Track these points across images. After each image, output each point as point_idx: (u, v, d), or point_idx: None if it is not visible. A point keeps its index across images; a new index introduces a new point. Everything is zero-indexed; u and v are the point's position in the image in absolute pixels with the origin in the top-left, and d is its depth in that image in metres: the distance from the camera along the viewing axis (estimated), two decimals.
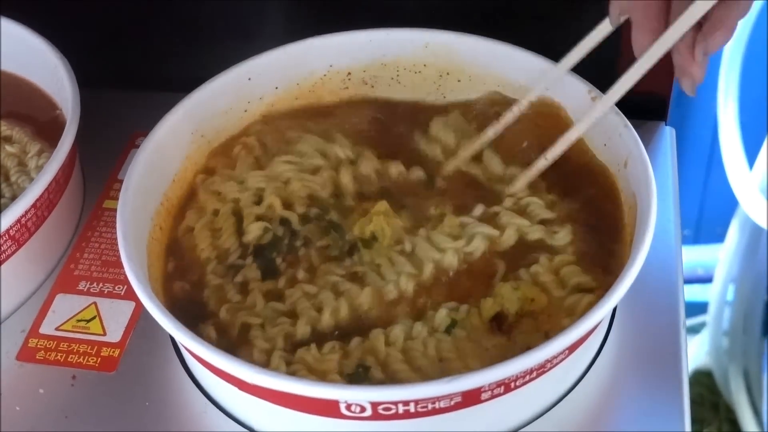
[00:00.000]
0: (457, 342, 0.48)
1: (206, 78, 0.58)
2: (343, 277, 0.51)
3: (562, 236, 0.52)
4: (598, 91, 0.55)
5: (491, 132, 0.56)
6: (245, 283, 0.52)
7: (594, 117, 0.53)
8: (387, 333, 0.49)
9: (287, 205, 0.55)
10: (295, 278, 0.52)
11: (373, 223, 0.52)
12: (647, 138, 0.61)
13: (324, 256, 0.53)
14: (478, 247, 0.51)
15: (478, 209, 0.53)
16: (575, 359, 0.49)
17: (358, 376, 0.48)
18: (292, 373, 0.48)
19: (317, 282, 0.51)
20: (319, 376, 0.48)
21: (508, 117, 0.56)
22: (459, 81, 0.60)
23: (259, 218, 0.54)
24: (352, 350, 0.49)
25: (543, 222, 0.53)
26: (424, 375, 0.47)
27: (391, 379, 0.47)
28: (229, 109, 0.59)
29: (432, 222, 0.53)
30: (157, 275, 0.53)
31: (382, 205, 0.53)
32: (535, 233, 0.52)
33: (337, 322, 0.50)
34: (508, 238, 0.52)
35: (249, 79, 0.59)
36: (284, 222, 0.54)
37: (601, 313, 0.45)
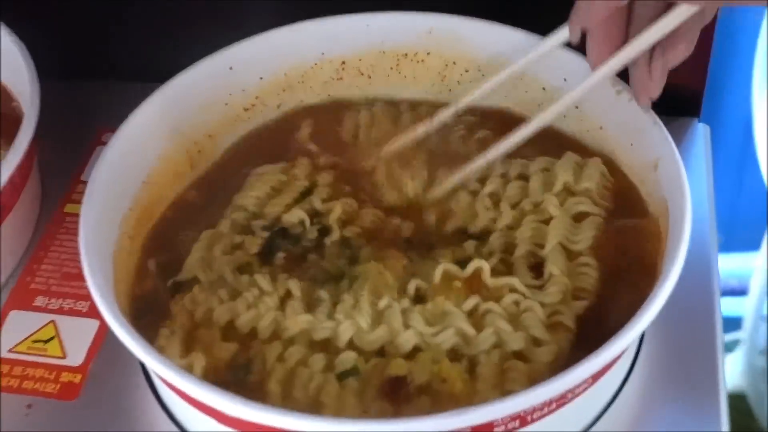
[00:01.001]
0: (343, 390, 0.47)
1: (182, 67, 0.58)
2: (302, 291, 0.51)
3: (545, 352, 0.48)
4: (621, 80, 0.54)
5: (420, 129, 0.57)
6: (239, 247, 0.54)
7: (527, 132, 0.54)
8: (285, 348, 0.49)
9: (346, 221, 0.55)
10: (273, 276, 0.52)
11: (364, 268, 0.52)
12: (679, 136, 0.60)
13: (312, 276, 0.53)
14: (444, 341, 0.49)
15: (471, 301, 0.50)
16: (600, 387, 0.48)
17: (236, 374, 0.48)
18: (186, 348, 0.49)
19: (277, 284, 0.52)
20: (207, 361, 0.48)
21: (443, 115, 0.57)
22: (467, 71, 0.60)
23: (312, 213, 0.55)
24: (250, 346, 0.49)
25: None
26: (292, 406, 0.47)
27: (258, 392, 0.47)
28: (208, 102, 0.59)
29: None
30: (125, 290, 0.52)
31: (398, 263, 0.52)
32: (515, 343, 0.48)
33: (252, 329, 0.50)
34: (483, 342, 0.48)
35: (230, 68, 0.59)
36: (324, 231, 0.54)
37: (629, 337, 0.44)
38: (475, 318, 0.50)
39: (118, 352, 0.50)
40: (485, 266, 0.51)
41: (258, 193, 0.56)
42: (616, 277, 0.51)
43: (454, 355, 0.48)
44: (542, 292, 0.50)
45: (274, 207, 0.55)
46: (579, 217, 0.54)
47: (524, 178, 0.56)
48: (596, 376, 0.46)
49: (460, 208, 0.55)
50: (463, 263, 0.52)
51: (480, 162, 0.55)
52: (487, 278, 0.51)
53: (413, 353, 0.48)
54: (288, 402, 0.47)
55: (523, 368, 0.47)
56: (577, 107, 0.57)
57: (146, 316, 0.51)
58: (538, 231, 0.53)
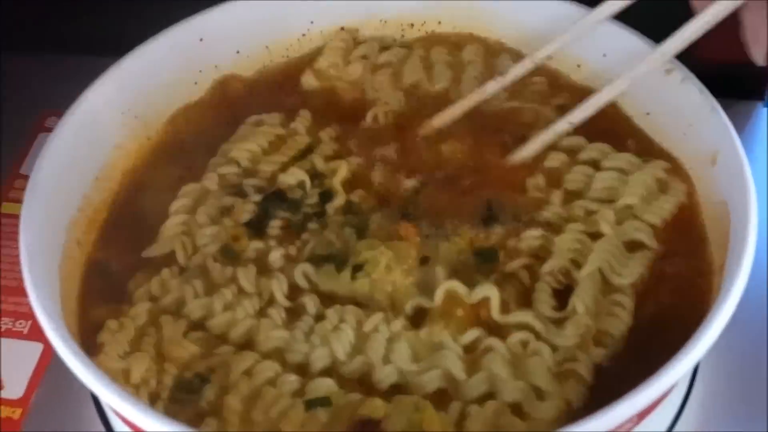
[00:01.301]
0: (309, 421, 0.46)
1: (143, 38, 0.57)
2: (290, 299, 0.50)
3: (546, 408, 0.46)
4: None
5: (491, 87, 0.55)
6: (226, 212, 0.53)
7: (636, 75, 0.52)
8: (255, 362, 0.48)
9: (352, 183, 0.54)
10: (263, 256, 0.52)
11: (373, 254, 0.51)
12: (740, 124, 0.58)
13: (311, 253, 0.52)
14: (429, 381, 0.47)
15: (471, 334, 0.48)
16: (649, 425, 0.46)
17: (186, 384, 0.48)
18: (139, 336, 0.49)
19: (262, 283, 0.51)
20: (157, 359, 0.48)
21: (517, 70, 0.55)
22: None
23: (313, 174, 0.54)
24: (213, 354, 0.49)
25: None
26: (249, 429, 0.46)
27: (214, 410, 0.47)
28: (174, 80, 0.59)
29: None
30: (74, 306, 0.51)
31: (411, 247, 0.51)
32: (510, 394, 0.47)
33: (221, 333, 0.50)
34: (472, 388, 0.47)
35: (200, 39, 0.59)
36: (326, 195, 0.54)
37: (682, 367, 0.43)
38: (474, 354, 0.48)
39: (65, 382, 0.50)
40: (494, 299, 0.49)
41: (252, 146, 0.56)
42: (654, 317, 0.49)
43: (443, 398, 0.47)
44: (558, 330, 0.48)
45: (270, 165, 0.55)
46: (631, 246, 0.51)
47: (594, 166, 0.54)
48: (642, 414, 0.45)
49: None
50: (481, 255, 0.51)
51: (560, 126, 0.53)
52: (496, 314, 0.49)
53: (395, 391, 0.47)
54: (244, 424, 0.46)
55: (519, 428, 0.45)
56: None
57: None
58: (582, 244, 0.51)
